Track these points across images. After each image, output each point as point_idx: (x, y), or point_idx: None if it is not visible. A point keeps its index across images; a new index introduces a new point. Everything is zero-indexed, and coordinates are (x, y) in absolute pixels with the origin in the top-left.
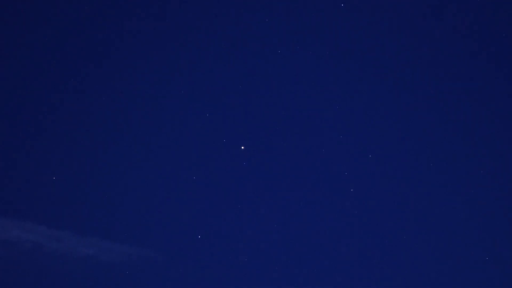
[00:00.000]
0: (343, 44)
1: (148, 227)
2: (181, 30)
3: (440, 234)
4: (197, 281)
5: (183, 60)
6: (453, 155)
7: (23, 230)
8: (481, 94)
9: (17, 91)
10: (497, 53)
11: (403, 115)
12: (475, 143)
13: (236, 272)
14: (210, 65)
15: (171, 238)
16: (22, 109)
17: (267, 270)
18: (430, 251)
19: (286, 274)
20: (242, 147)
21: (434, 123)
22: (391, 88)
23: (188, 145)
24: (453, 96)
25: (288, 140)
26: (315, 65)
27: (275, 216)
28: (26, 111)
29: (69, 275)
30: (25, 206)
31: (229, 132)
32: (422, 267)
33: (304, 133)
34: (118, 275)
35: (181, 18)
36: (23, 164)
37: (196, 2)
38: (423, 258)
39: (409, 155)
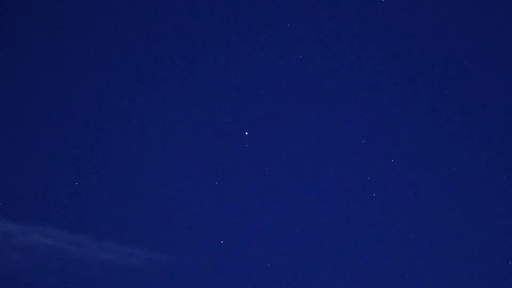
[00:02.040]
0: (358, 45)
1: (168, 231)
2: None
3: (450, 239)
4: (217, 286)
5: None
6: (462, 159)
7: (43, 235)
8: (487, 96)
9: (36, 97)
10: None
11: (419, 120)
12: (480, 145)
13: (257, 277)
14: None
15: (192, 243)
16: (43, 115)
17: (288, 275)
18: (440, 255)
19: (308, 280)
20: (262, 152)
21: (449, 128)
22: (407, 92)
23: (210, 150)
24: (461, 99)
25: (306, 148)
26: (329, 67)
27: (297, 222)
28: (49, 118)
29: (89, 280)
30: (44, 211)
31: (248, 137)
32: (430, 270)
33: (322, 139)
34: (138, 280)
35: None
36: (43, 170)
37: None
38: (432, 262)
39: (421, 160)
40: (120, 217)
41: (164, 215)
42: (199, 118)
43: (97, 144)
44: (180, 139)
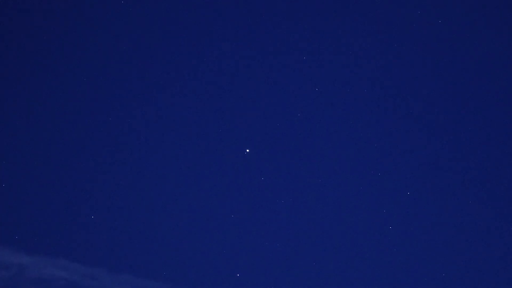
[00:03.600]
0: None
1: (184, 265)
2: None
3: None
4: None
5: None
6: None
7: (57, 267)
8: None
9: (57, 123)
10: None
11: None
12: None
13: None
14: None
15: (208, 277)
16: (59, 146)
17: None
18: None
19: None
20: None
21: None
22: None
23: (228, 187)
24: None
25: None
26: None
27: (314, 254)
28: (65, 149)
29: None
30: (59, 244)
31: (260, 164)
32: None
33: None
34: None
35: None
36: (59, 203)
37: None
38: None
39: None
40: (135, 250)
41: (179, 249)
42: (214, 154)
43: (113, 178)
44: (198, 172)
